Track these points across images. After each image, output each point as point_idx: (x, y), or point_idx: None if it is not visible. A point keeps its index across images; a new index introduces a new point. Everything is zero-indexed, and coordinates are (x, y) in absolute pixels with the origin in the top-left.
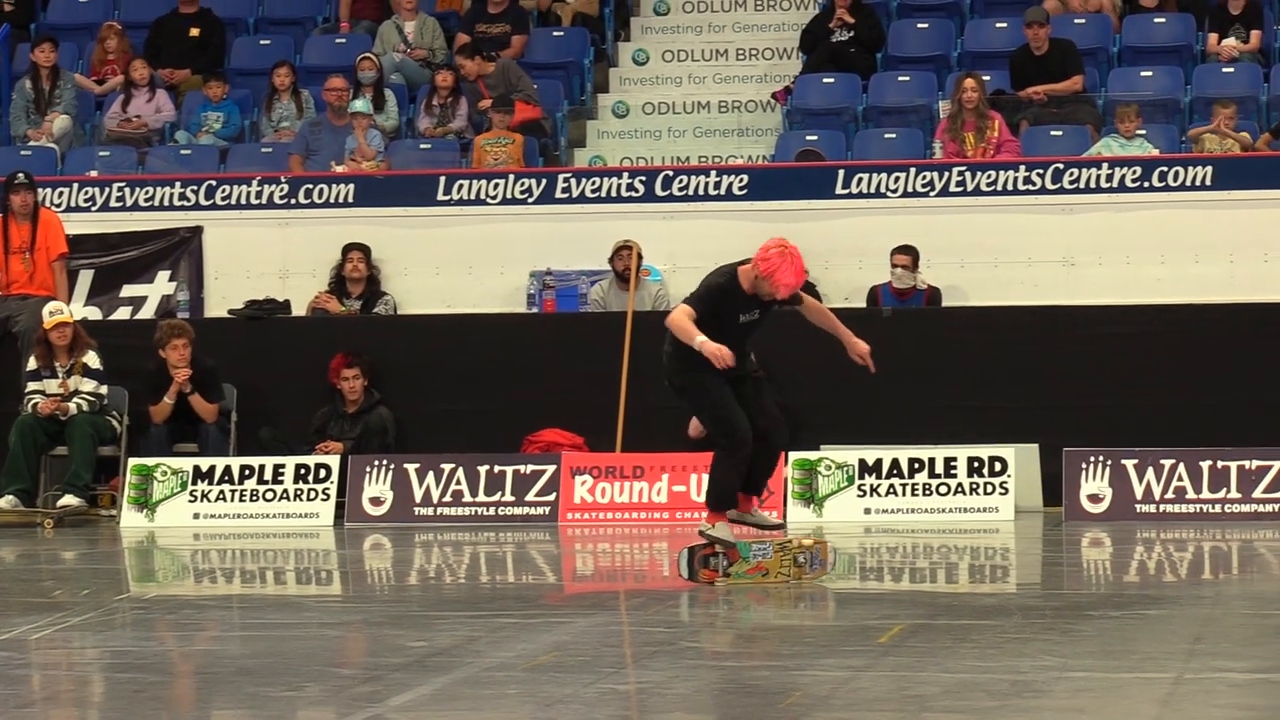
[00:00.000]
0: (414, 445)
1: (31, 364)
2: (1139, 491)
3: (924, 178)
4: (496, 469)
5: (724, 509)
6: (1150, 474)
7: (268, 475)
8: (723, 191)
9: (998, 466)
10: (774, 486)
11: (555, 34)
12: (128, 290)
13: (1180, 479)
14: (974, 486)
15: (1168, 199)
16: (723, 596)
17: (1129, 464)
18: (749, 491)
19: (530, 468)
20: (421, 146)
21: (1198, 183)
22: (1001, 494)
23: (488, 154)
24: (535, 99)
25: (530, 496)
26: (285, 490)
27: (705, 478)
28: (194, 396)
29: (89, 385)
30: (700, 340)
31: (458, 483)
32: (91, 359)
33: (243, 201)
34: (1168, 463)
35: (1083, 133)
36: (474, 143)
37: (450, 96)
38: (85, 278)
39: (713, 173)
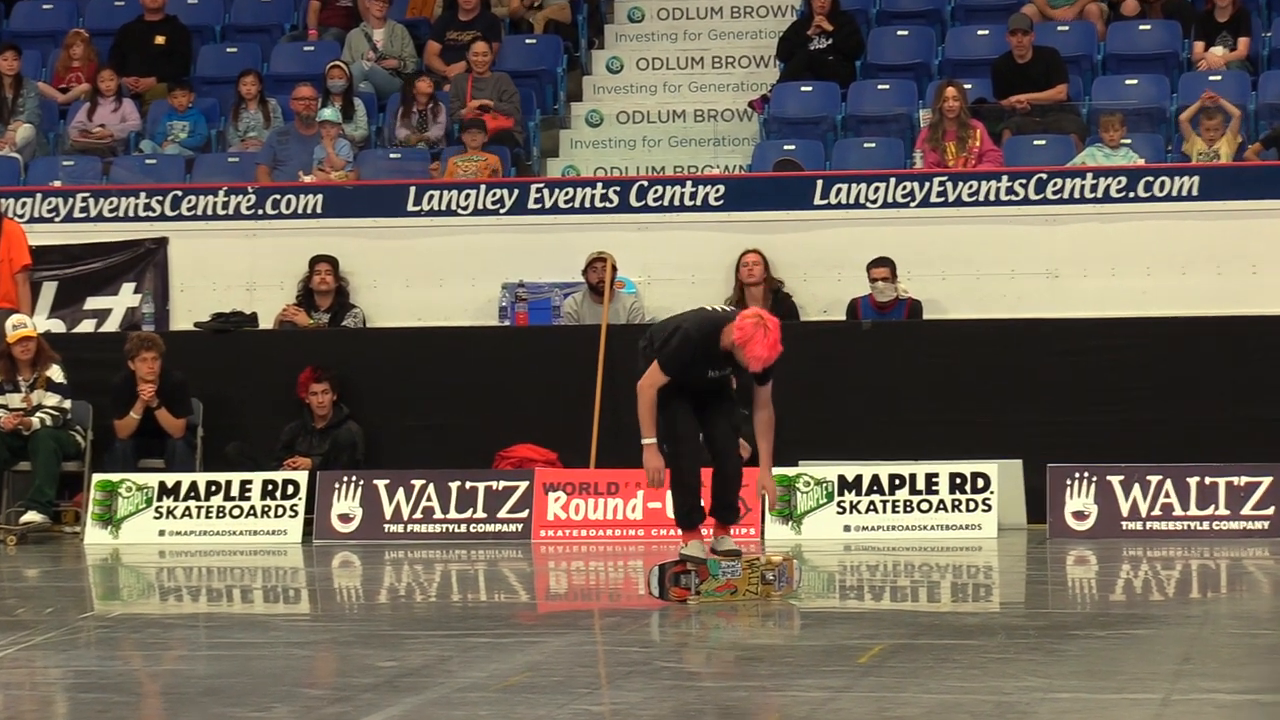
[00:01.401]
0: (384, 461)
1: None
2: (1125, 508)
3: (904, 188)
4: (468, 485)
5: (689, 525)
6: (1136, 490)
7: (234, 491)
8: (699, 202)
9: (980, 483)
10: (752, 504)
11: (528, 41)
12: (92, 303)
13: (1167, 495)
14: (956, 503)
15: (1154, 210)
16: (698, 616)
17: (1115, 480)
18: (718, 519)
19: (502, 484)
20: (391, 156)
21: (1184, 193)
22: (984, 511)
23: (459, 169)
24: (517, 110)
25: (502, 513)
26: (252, 507)
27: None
28: (160, 411)
29: (52, 400)
30: (647, 443)
31: (428, 499)
32: (55, 373)
33: (209, 212)
34: (1154, 479)
35: (1067, 142)
36: (447, 163)
37: (430, 103)
38: (49, 290)
39: (688, 183)
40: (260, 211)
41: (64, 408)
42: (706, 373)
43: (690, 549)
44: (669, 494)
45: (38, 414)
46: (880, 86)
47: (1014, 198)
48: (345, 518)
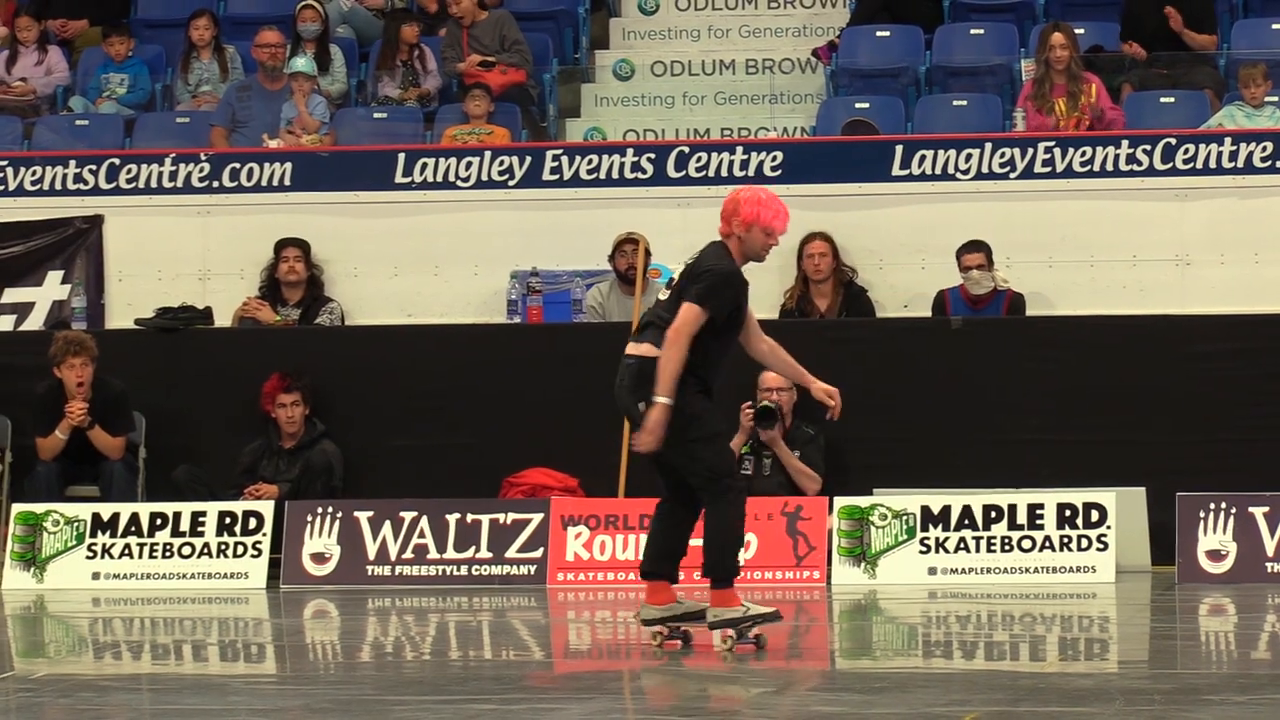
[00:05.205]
0: (366, 488)
1: None
2: (1270, 546)
3: (1003, 155)
4: (469, 518)
5: (732, 578)
6: None
7: (184, 525)
8: (751, 172)
9: (1095, 515)
10: (816, 541)
11: None
12: (10, 295)
13: None
14: (1065, 541)
15: None
16: (751, 679)
17: (1258, 512)
18: (672, 577)
19: (511, 517)
20: (376, 116)
21: None
22: (1099, 550)
23: (457, 143)
24: (527, 61)
25: (511, 552)
26: (206, 544)
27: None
28: (95, 430)
29: None
30: (661, 402)
31: (421, 535)
32: None
33: (153, 184)
34: None
35: (1200, 99)
36: (443, 133)
37: (416, 51)
38: None
39: (739, 149)
40: (216, 184)
41: None
42: (744, 308)
43: (746, 610)
44: (715, 536)
45: None
46: (973, 31)
47: (1136, 167)
48: (320, 557)
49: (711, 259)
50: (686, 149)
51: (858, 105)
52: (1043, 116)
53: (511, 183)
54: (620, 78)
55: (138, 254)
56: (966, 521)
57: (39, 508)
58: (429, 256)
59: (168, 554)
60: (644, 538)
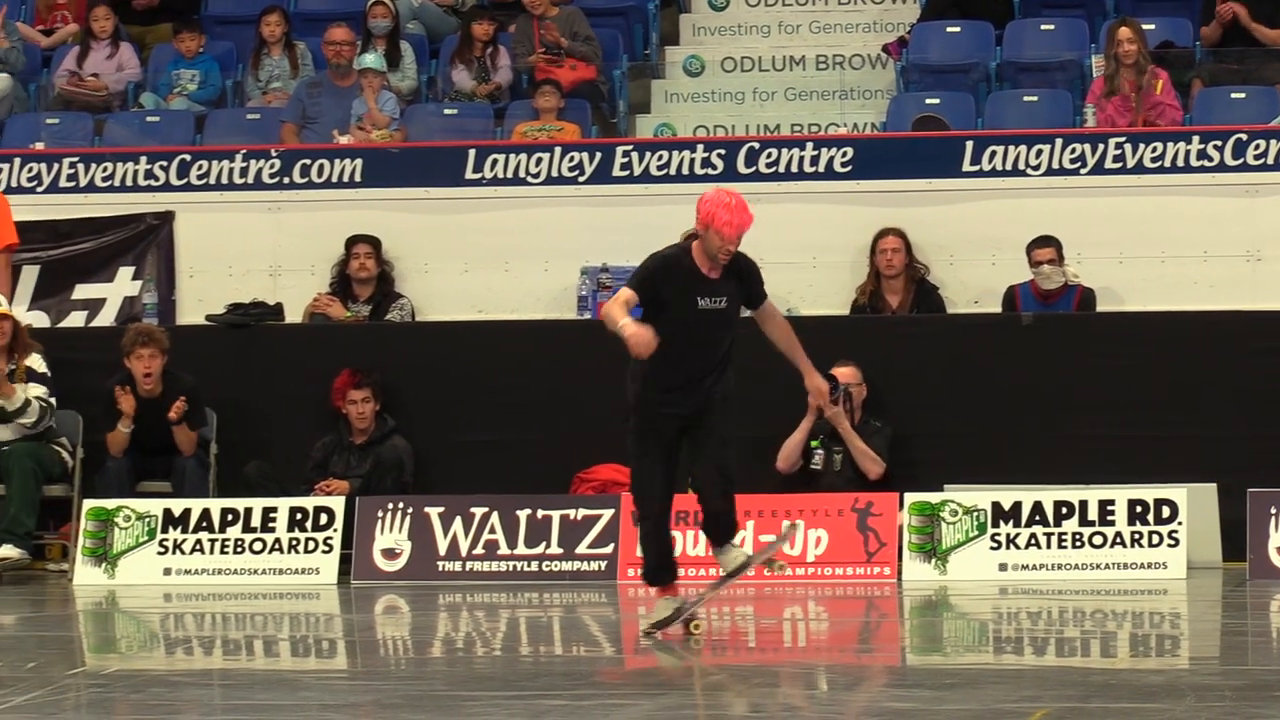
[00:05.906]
0: (437, 484)
1: None
2: None
3: (1073, 151)
4: (540, 514)
5: (657, 582)
6: None
7: (255, 521)
8: (821, 168)
9: (1166, 512)
10: (886, 538)
11: None
12: (81, 291)
13: None
14: (1136, 537)
15: None
16: (820, 673)
17: None
18: (716, 540)
19: (582, 512)
20: (446, 112)
21: None
22: (1171, 546)
23: (528, 139)
24: (598, 57)
25: (582, 548)
26: (278, 540)
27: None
28: (180, 427)
29: (37, 390)
30: (623, 323)
31: (491, 531)
32: (36, 362)
33: (224, 181)
34: None
35: (1271, 95)
36: (513, 129)
37: (490, 46)
38: (29, 275)
39: (809, 145)
40: (286, 180)
41: (50, 401)
42: (696, 302)
43: (656, 610)
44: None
45: (24, 387)
46: (1043, 26)
47: (1207, 163)
48: (390, 553)
49: (667, 247)
50: (756, 145)
51: (928, 101)
52: (1112, 113)
53: (582, 179)
54: (690, 74)
55: (209, 250)
56: (1037, 517)
57: (110, 504)
58: (499, 252)
59: (239, 549)
60: None
